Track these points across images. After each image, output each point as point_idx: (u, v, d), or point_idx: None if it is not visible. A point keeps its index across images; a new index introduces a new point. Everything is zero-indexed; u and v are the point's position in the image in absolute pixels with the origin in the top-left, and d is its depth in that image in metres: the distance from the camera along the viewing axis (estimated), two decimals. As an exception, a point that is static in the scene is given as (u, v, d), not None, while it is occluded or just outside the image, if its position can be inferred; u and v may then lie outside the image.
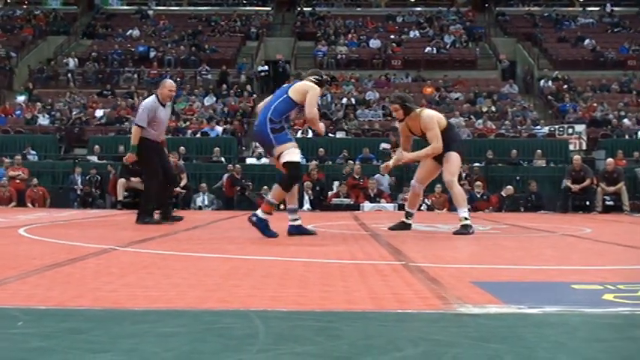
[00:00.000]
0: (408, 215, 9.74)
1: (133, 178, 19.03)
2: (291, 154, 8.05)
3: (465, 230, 8.92)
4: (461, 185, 19.99)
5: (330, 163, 23.08)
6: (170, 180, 11.17)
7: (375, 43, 38.58)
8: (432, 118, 9.14)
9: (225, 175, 21.37)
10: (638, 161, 23.43)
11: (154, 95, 10.73)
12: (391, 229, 9.59)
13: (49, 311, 3.18)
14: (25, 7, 46.02)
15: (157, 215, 10.88)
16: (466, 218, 9.06)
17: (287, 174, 8.10)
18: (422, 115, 9.15)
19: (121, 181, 19.13)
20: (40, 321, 2.95)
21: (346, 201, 20.28)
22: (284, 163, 8.05)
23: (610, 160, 20.01)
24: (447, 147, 9.16)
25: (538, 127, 28.09)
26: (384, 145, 23.72)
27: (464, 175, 21.24)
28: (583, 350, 2.56)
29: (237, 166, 21.63)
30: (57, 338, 2.59)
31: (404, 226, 9.60)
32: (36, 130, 27.81)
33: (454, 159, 9.23)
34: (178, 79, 34.03)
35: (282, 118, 8.06)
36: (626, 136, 27.48)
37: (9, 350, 2.43)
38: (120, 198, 19.08)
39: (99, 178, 21.33)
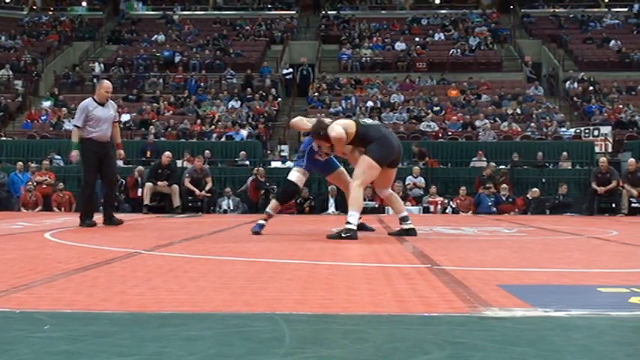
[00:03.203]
0: (404, 220, 9.19)
1: (159, 182, 19.13)
2: (290, 174, 9.68)
3: (337, 236, 8.43)
4: (486, 188, 20.23)
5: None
6: (109, 183, 11.67)
7: (399, 46, 38.54)
8: (332, 126, 8.77)
9: (250, 179, 21.40)
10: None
11: (90, 97, 11.46)
12: (392, 234, 9.28)
13: (75, 315, 3.19)
14: (50, 13, 46.42)
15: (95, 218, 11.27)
16: (349, 222, 8.50)
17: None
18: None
19: (148, 184, 19.22)
20: (66, 325, 2.97)
21: (371, 204, 20.24)
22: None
23: (631, 160, 19.87)
24: (365, 151, 8.85)
25: (564, 129, 27.95)
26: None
27: (485, 176, 21.20)
28: (610, 354, 2.54)
29: (261, 169, 21.64)
30: (83, 342, 2.60)
31: (407, 234, 9.02)
32: (62, 135, 27.95)
33: (361, 162, 8.78)
34: (202, 84, 34.22)
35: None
36: (653, 138, 27.29)
37: (35, 354, 2.44)
38: (146, 202, 19.17)
39: (124, 182, 21.43)
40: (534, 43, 39.70)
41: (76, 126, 11.31)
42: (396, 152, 8.98)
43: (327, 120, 9.28)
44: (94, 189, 11.57)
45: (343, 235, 8.34)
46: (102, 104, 11.22)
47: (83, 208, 11.46)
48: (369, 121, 9.10)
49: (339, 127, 8.75)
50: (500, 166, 22.85)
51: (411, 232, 9.01)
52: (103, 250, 6.64)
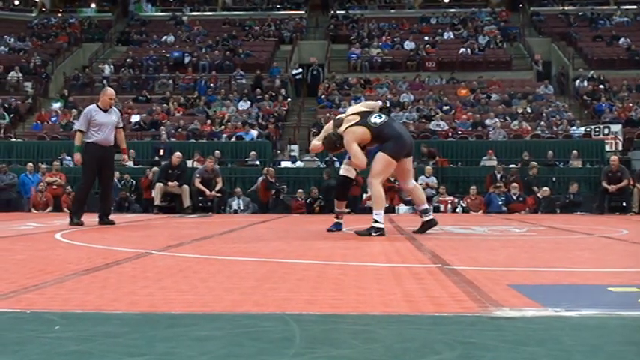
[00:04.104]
0: (424, 213, 9.53)
1: (170, 183, 19.15)
2: (341, 169, 10.05)
3: (367, 232, 8.91)
4: (496, 187, 20.18)
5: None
6: (106, 186, 12.17)
7: (409, 45, 38.50)
8: (347, 141, 9.06)
9: (260, 179, 21.43)
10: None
11: (94, 103, 12.07)
12: (417, 232, 9.41)
13: (85, 315, 3.20)
14: (59, 15, 46.52)
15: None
16: (376, 221, 8.96)
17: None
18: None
19: (159, 185, 19.24)
20: (76, 325, 2.97)
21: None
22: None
23: (645, 160, 19.84)
24: (381, 148, 9.11)
25: (574, 127, 27.86)
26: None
27: (499, 176, 21.16)
28: (620, 353, 2.53)
29: (271, 169, 21.68)
30: (93, 342, 2.61)
31: (429, 225, 9.42)
32: (72, 137, 27.92)
33: (378, 160, 9.06)
34: (212, 84, 34.23)
35: None
36: (663, 137, 27.19)
37: (46, 354, 2.45)
38: (157, 202, 19.20)
39: (134, 182, 21.48)
40: (544, 41, 39.61)
41: (79, 130, 11.88)
42: (409, 146, 9.22)
43: (332, 130, 9.34)
44: (89, 191, 12.12)
45: (373, 234, 8.78)
46: (105, 110, 11.74)
47: (75, 207, 11.88)
48: (378, 120, 9.09)
49: (357, 152, 9.10)
50: (511, 165, 22.82)
51: (432, 223, 9.42)
52: (114, 251, 6.65)
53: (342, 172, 9.95)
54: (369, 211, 9.65)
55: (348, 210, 10.28)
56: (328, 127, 9.69)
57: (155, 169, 21.20)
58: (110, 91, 12.14)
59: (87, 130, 11.64)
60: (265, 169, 21.79)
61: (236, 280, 4.41)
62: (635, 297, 3.74)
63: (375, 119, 9.08)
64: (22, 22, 44.28)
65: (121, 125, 12.24)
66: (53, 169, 21.79)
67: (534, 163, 22.39)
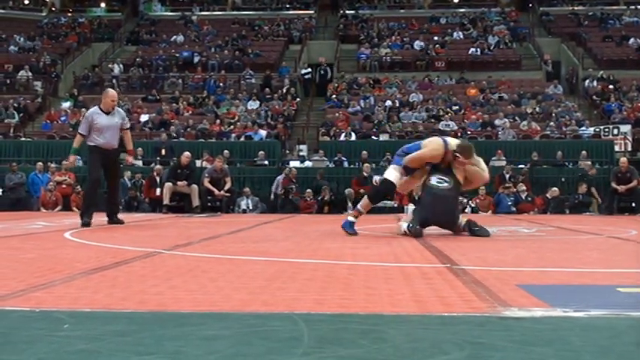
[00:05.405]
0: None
1: (179, 182, 19.17)
2: (387, 172, 9.31)
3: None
4: (505, 187, 20.13)
5: (374, 165, 23.00)
6: (113, 188, 12.03)
7: (418, 45, 38.47)
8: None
9: (281, 177, 21.49)
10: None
11: (97, 106, 11.83)
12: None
13: (94, 314, 3.20)
14: (69, 14, 46.64)
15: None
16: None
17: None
18: None
19: (168, 185, 19.26)
20: (85, 323, 2.97)
21: (390, 203, 20.19)
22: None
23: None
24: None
25: (583, 127, 27.81)
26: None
27: (508, 176, 21.14)
28: (629, 354, 2.53)
29: (294, 170, 21.81)
30: (102, 341, 2.61)
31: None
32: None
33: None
34: (221, 84, 34.26)
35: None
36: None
37: (55, 352, 2.45)
38: (166, 202, 19.21)
39: (143, 182, 21.49)
40: (553, 41, 39.54)
41: (79, 133, 11.59)
42: (429, 219, 9.01)
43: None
44: (97, 189, 11.87)
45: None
46: (108, 112, 11.44)
47: (84, 206, 11.68)
48: (429, 182, 8.96)
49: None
50: (520, 166, 22.79)
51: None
52: (123, 250, 6.66)
53: (390, 177, 9.19)
54: (379, 210, 9.65)
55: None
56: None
57: (158, 167, 21.21)
58: (112, 92, 11.94)
59: (89, 134, 11.35)
60: (287, 169, 21.94)
61: (245, 280, 4.41)
62: (645, 298, 3.73)
63: (431, 179, 8.96)
64: (31, 21, 44.41)
65: (128, 126, 11.96)
66: (62, 168, 21.81)
67: (588, 163, 22.32)
